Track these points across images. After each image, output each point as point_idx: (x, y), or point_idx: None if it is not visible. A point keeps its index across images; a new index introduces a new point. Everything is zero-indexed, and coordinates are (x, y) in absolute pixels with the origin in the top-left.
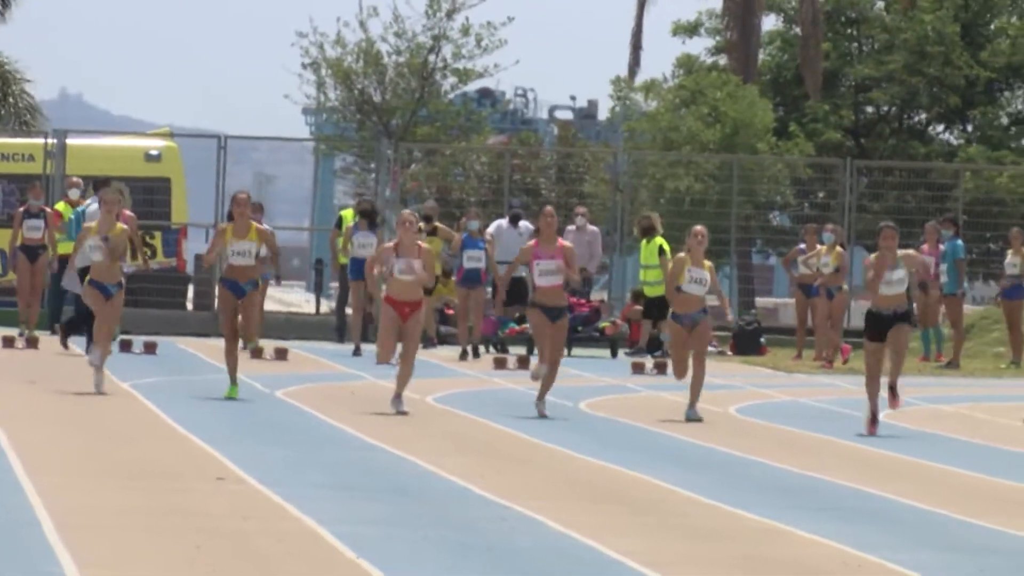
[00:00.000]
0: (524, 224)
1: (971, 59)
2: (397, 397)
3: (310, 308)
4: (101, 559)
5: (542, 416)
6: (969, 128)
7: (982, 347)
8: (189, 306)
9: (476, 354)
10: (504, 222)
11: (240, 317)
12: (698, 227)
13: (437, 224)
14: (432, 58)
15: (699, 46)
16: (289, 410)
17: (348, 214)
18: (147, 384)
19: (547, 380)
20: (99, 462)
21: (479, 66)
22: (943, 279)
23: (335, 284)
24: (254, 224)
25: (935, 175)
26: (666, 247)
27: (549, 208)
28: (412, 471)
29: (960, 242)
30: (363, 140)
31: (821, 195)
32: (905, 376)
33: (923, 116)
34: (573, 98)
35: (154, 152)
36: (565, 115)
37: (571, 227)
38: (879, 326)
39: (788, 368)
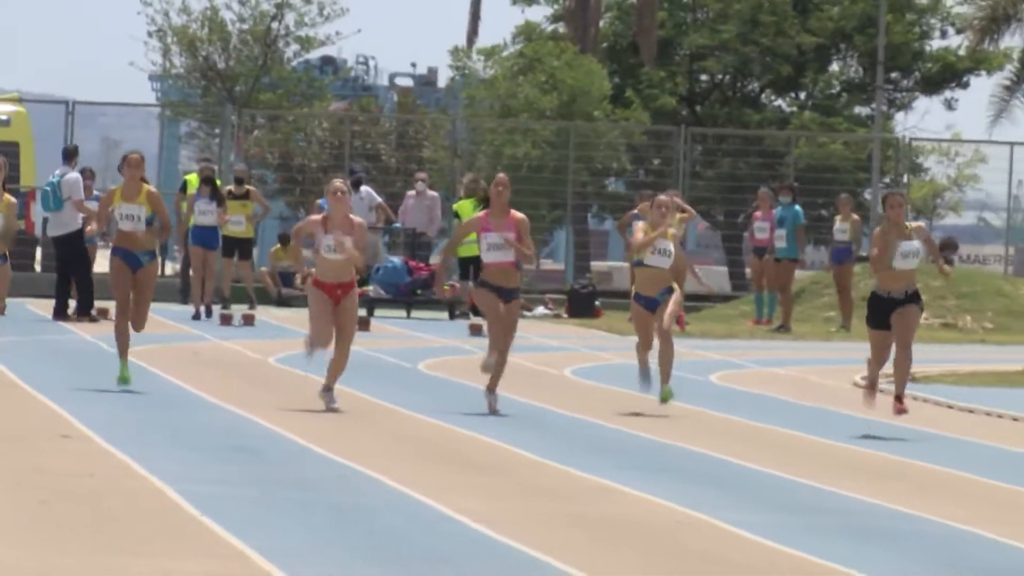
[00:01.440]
0: (365, 189)
1: (801, 28)
2: (327, 390)
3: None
4: None
5: (493, 412)
6: (801, 96)
7: (812, 311)
8: (38, 268)
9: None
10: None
11: (132, 296)
12: (662, 197)
13: (250, 188)
14: (275, 25)
15: (538, 14)
16: (135, 370)
17: (193, 179)
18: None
19: (497, 369)
20: None
21: (321, 34)
22: (779, 244)
23: (179, 248)
24: (145, 187)
25: (768, 142)
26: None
27: (502, 176)
28: (255, 431)
29: (799, 208)
30: (207, 106)
31: (656, 162)
32: (737, 339)
33: (756, 84)
34: (413, 65)
35: (3, 117)
36: (405, 82)
37: (411, 192)
38: (885, 310)
39: (622, 330)
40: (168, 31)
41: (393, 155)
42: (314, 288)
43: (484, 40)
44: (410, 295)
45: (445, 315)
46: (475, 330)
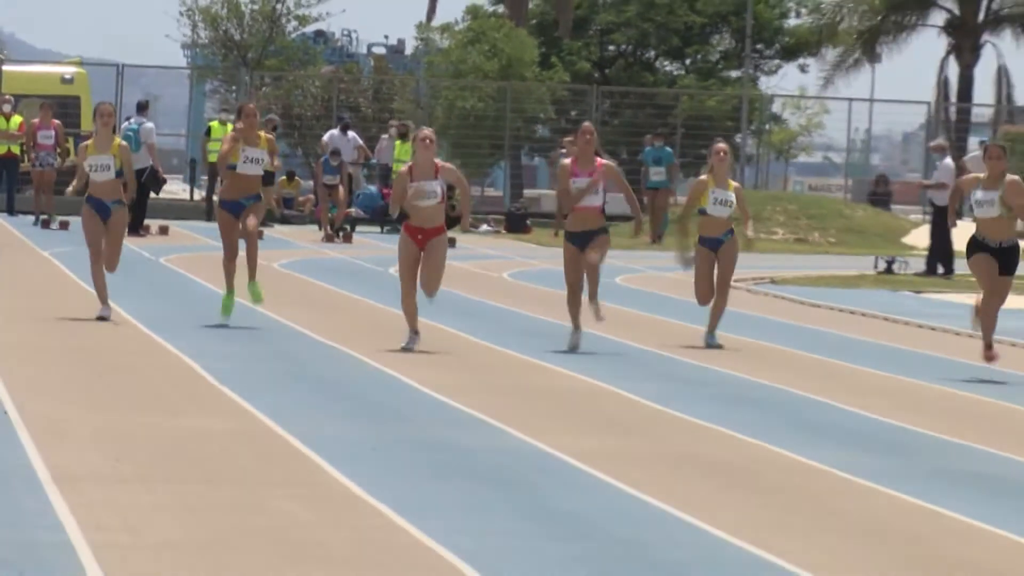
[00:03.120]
0: (352, 133)
1: (689, 9)
2: (414, 334)
3: (186, 196)
4: (27, 380)
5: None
6: (687, 62)
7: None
8: None
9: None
10: (336, 131)
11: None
12: (720, 144)
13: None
14: (279, 7)
15: None
16: (170, 273)
17: (215, 125)
18: (63, 252)
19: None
20: (16, 311)
21: (315, 13)
22: (657, 178)
23: (205, 177)
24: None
25: (660, 98)
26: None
27: (587, 124)
28: (262, 319)
29: (669, 149)
30: (226, 69)
31: (574, 113)
32: (636, 251)
33: (652, 53)
34: (386, 37)
35: (68, 76)
36: (380, 51)
37: (385, 136)
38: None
39: (548, 243)
40: (196, 11)
41: (370, 107)
42: (403, 234)
43: (441, 18)
44: (383, 215)
45: None
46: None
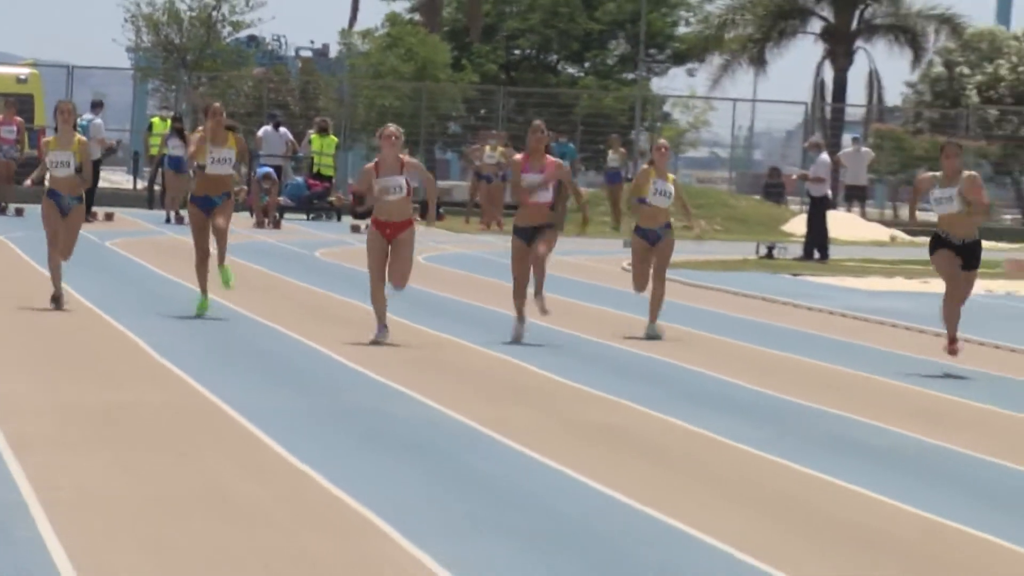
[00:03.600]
0: (283, 129)
1: (588, 17)
2: (383, 327)
3: (129, 186)
4: None
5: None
6: (586, 65)
7: (592, 217)
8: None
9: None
10: (269, 127)
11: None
12: (662, 140)
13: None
14: (215, 13)
15: (400, 6)
16: (116, 256)
17: (156, 120)
18: (18, 237)
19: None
20: None
21: (247, 19)
22: None
23: (147, 168)
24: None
25: (562, 98)
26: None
27: (538, 123)
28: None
29: (572, 145)
30: (166, 70)
31: (483, 111)
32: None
33: (554, 57)
34: (312, 42)
35: (23, 76)
36: (306, 54)
37: (311, 131)
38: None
39: (457, 229)
40: (139, 17)
41: (297, 105)
42: (372, 229)
43: (362, 24)
44: (309, 204)
45: (335, 218)
46: (355, 229)
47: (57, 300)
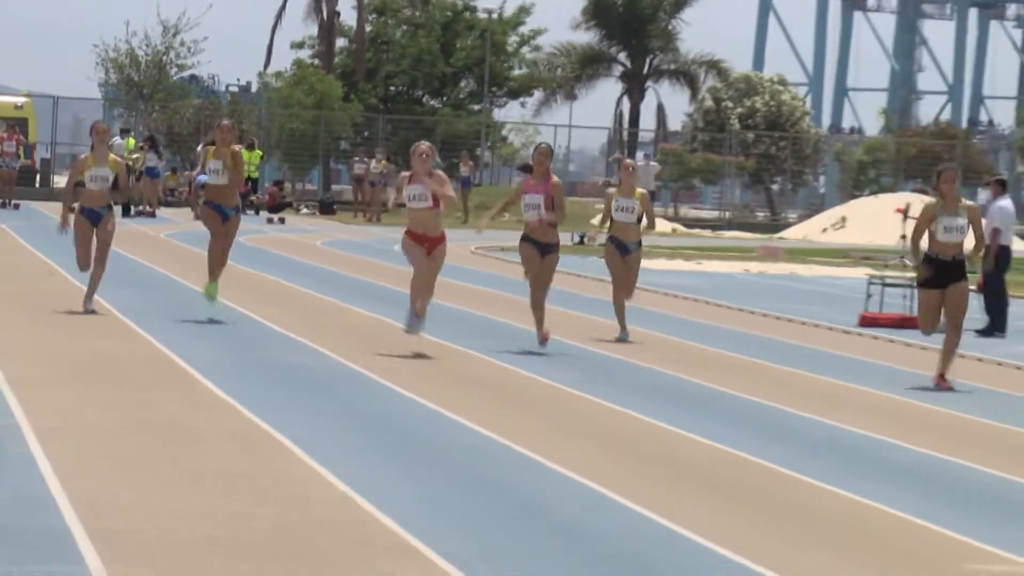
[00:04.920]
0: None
1: (445, 62)
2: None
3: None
4: None
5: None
6: (444, 99)
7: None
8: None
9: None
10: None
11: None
12: (628, 160)
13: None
14: (165, 58)
15: (304, 53)
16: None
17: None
18: (18, 225)
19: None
20: None
21: (189, 62)
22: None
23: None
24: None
25: (425, 123)
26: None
27: (544, 146)
28: (155, 275)
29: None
30: (128, 100)
31: (366, 133)
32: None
33: (420, 92)
34: (238, 80)
35: (19, 104)
36: (234, 89)
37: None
38: (936, 271)
39: (347, 221)
40: (108, 60)
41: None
42: (407, 237)
43: (275, 67)
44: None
45: (254, 213)
46: (269, 220)
47: (90, 309)
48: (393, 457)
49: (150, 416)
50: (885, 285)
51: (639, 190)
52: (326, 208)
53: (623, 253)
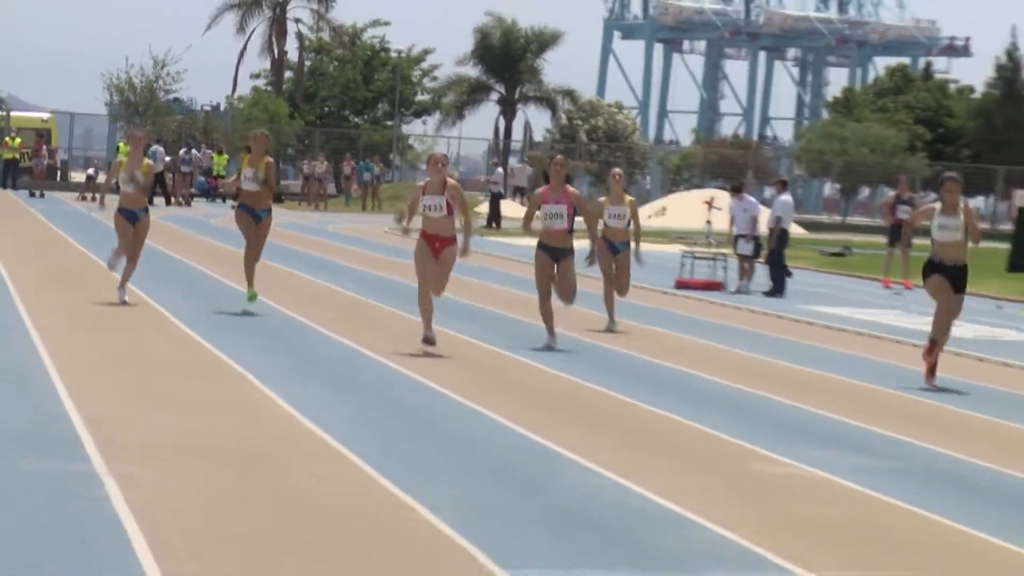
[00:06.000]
0: (194, 151)
1: (366, 89)
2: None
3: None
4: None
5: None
6: (365, 117)
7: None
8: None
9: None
10: (193, 149)
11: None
12: (616, 169)
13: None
14: (155, 84)
15: (260, 82)
16: (99, 223)
17: (121, 145)
18: (43, 209)
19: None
20: (16, 236)
21: (174, 87)
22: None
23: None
24: (146, 160)
25: (350, 135)
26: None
27: (560, 158)
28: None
29: (372, 163)
30: (127, 116)
31: (306, 142)
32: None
33: (347, 111)
34: (211, 101)
35: (45, 118)
36: (208, 108)
37: (209, 151)
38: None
39: (294, 208)
40: (112, 86)
41: (203, 140)
42: (420, 238)
43: (240, 91)
44: (209, 193)
45: (220, 201)
46: (233, 207)
47: (123, 300)
48: (321, 381)
49: (145, 349)
50: (695, 258)
51: (628, 197)
52: (276, 199)
53: (613, 252)
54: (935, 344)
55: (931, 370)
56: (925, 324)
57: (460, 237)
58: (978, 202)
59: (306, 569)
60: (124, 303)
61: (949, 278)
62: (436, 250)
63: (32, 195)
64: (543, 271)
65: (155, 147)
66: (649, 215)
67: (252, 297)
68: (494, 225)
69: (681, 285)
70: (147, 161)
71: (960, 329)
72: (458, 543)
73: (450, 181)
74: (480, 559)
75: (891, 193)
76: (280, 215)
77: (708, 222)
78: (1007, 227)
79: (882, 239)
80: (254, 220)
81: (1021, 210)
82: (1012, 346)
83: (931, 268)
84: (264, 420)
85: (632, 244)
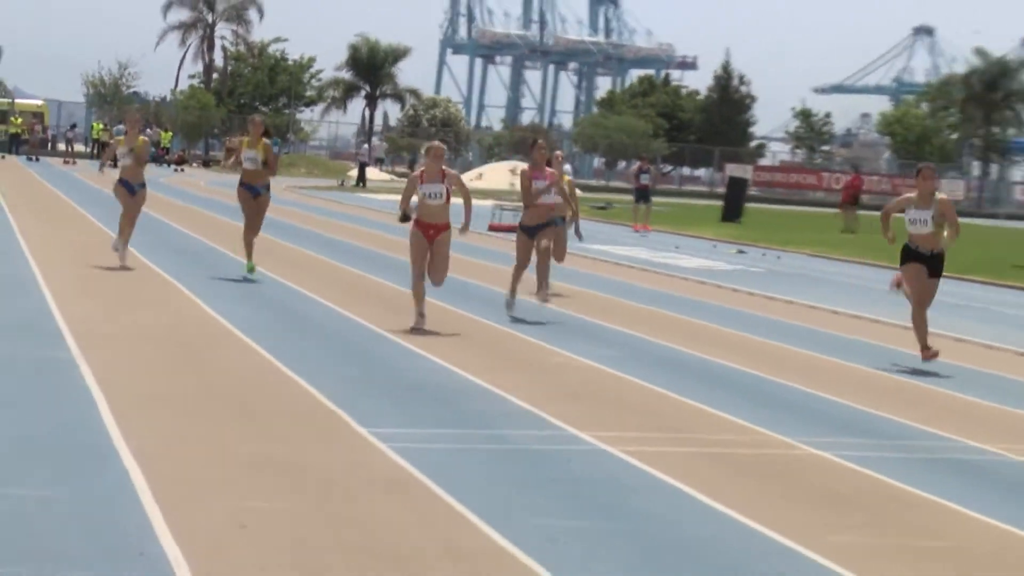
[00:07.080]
0: (149, 130)
1: (270, 86)
2: (421, 315)
3: (84, 151)
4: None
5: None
6: (270, 105)
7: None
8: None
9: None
10: (147, 129)
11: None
12: (557, 151)
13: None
14: (119, 81)
15: (195, 80)
16: (81, 182)
17: (96, 125)
18: (41, 171)
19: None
20: (23, 202)
21: (133, 84)
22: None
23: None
24: (141, 137)
25: (268, 122)
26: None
27: (541, 142)
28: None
29: (278, 140)
30: (99, 104)
31: (227, 125)
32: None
33: (257, 103)
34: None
35: (40, 103)
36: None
37: (160, 129)
38: (918, 261)
39: (218, 172)
40: (88, 83)
41: (154, 121)
42: (414, 228)
43: (181, 87)
44: (156, 160)
45: (166, 166)
46: (175, 170)
47: (120, 249)
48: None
49: (159, 326)
50: (503, 210)
51: (567, 177)
52: (206, 164)
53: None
54: (926, 347)
55: (932, 355)
56: (663, 257)
57: (457, 236)
58: (700, 173)
59: (214, 412)
60: (125, 268)
61: (926, 264)
62: (431, 237)
63: (29, 159)
64: (523, 249)
65: (148, 129)
66: (471, 179)
67: (250, 269)
68: (361, 185)
69: (493, 228)
70: (142, 138)
71: (684, 261)
72: (332, 409)
73: (448, 170)
74: (347, 419)
75: (636, 165)
76: (208, 175)
77: (511, 184)
78: (721, 190)
79: (631, 197)
80: (252, 196)
81: (731, 178)
82: (722, 274)
83: (908, 255)
84: (189, 315)
85: (571, 218)
